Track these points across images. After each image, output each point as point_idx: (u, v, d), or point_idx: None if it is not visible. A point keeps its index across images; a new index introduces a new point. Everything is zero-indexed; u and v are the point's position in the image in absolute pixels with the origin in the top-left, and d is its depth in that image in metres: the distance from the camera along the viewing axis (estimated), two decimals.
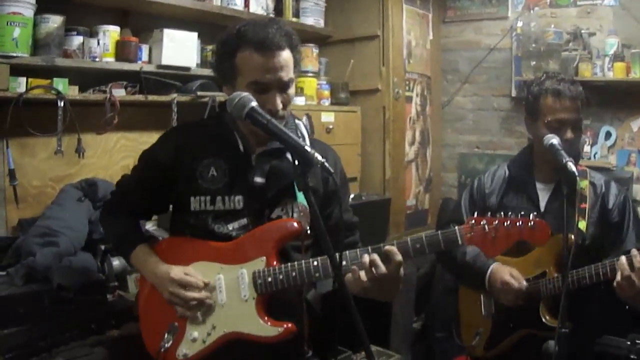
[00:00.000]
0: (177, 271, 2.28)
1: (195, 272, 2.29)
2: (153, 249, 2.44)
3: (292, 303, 2.37)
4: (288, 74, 2.25)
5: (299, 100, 4.46)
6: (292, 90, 2.31)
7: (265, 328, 2.23)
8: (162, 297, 2.31)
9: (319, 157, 1.88)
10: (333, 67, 5.02)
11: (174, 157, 2.36)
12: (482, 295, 3.09)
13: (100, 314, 2.93)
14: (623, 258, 2.57)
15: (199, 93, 3.86)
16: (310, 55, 4.71)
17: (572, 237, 2.66)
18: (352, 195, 4.33)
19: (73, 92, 3.53)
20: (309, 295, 2.47)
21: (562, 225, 2.55)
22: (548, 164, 2.93)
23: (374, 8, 4.83)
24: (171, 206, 2.53)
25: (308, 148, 1.90)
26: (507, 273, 2.88)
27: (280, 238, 2.29)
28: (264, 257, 2.26)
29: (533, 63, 4.91)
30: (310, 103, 4.55)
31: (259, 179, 2.34)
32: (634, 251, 2.56)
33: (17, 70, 3.28)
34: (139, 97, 3.76)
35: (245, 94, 2.08)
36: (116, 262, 3.11)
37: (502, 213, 2.27)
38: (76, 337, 2.78)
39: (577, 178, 2.55)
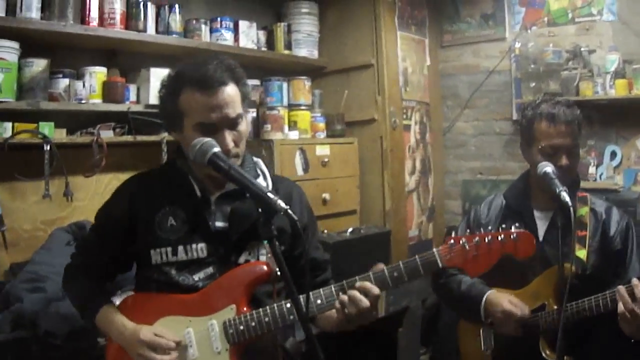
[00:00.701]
0: (145, 332, 2.14)
1: (165, 331, 2.16)
2: (118, 308, 2.31)
3: (269, 352, 2.26)
4: (235, 110, 2.16)
5: (292, 135, 4.42)
6: (242, 127, 2.21)
7: None
8: (131, 357, 2.19)
9: (282, 205, 1.79)
10: (328, 99, 4.95)
11: (128, 210, 2.27)
12: (481, 330, 2.97)
13: None
14: (622, 288, 2.45)
15: None
16: (303, 87, 4.65)
17: (572, 267, 2.56)
18: (351, 229, 4.26)
19: (60, 135, 3.53)
20: (287, 344, 2.35)
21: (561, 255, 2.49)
22: (545, 192, 2.81)
23: (367, 37, 4.78)
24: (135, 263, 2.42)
25: (271, 195, 1.82)
26: (506, 300, 2.75)
27: (249, 283, 2.18)
28: (234, 305, 2.15)
29: (533, 84, 4.84)
30: (304, 136, 4.50)
31: (220, 224, 2.25)
32: (635, 280, 2.44)
33: (3, 115, 3.30)
34: (128, 138, 3.74)
35: (207, 139, 2.01)
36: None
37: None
38: None
39: (571, 208, 2.42)
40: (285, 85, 4.60)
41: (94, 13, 3.62)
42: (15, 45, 3.33)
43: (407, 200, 4.94)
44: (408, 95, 4.96)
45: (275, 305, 2.12)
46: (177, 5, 4.05)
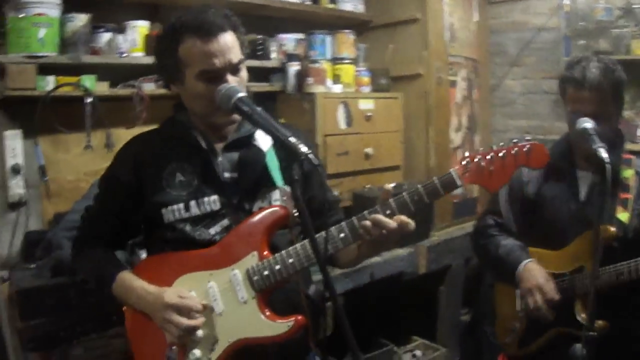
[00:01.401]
0: (170, 295, 2.10)
1: (189, 292, 2.13)
2: (134, 273, 2.28)
3: (293, 301, 2.22)
4: (237, 55, 2.14)
5: (336, 88, 4.38)
6: (244, 73, 2.19)
7: (272, 326, 2.09)
8: (155, 325, 2.16)
9: (304, 149, 1.80)
10: (373, 53, 4.90)
11: (134, 172, 2.25)
12: (517, 291, 2.92)
13: (122, 306, 2.91)
14: None
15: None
16: (347, 41, 4.61)
17: (612, 229, 2.52)
18: (393, 184, 4.21)
19: (102, 88, 3.58)
20: (310, 291, 2.33)
21: (604, 215, 2.45)
22: (585, 150, 2.72)
23: None
24: (142, 227, 2.39)
25: (293, 140, 1.82)
26: (543, 276, 2.73)
27: (267, 227, 2.15)
28: (255, 252, 2.12)
29: (582, 42, 4.70)
30: (347, 90, 4.45)
31: (228, 174, 2.23)
32: None
33: (46, 69, 3.36)
34: (169, 91, 3.71)
35: (231, 85, 2.03)
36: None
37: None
38: (97, 328, 2.82)
39: (608, 165, 2.34)
40: (329, 38, 4.57)
41: None
42: (56, 0, 3.37)
43: (452, 157, 4.88)
44: (454, 50, 4.87)
45: (297, 245, 2.10)
46: None
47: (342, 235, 2.08)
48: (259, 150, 2.25)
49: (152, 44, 2.61)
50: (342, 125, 4.25)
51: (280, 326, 2.08)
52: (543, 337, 2.83)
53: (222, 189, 2.20)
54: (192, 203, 2.18)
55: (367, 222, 2.03)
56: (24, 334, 2.85)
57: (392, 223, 2.01)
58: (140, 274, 2.23)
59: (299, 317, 2.09)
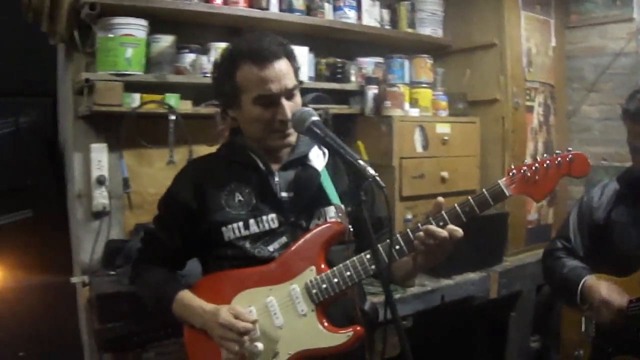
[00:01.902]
0: (223, 314, 2.18)
1: (243, 310, 2.20)
2: (193, 292, 2.36)
3: (350, 313, 2.30)
4: (291, 80, 2.25)
5: (413, 112, 4.42)
6: (298, 98, 2.30)
7: (332, 337, 2.17)
8: (212, 341, 2.23)
9: (371, 171, 1.90)
10: (450, 77, 4.95)
11: (194, 193, 2.35)
12: (583, 318, 2.96)
13: None
14: None
15: (311, 105, 3.89)
16: (425, 65, 4.67)
17: None
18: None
19: (185, 106, 3.71)
20: (365, 306, 2.43)
21: None
22: None
23: (491, 16, 4.72)
24: (200, 247, 2.46)
25: (362, 162, 1.93)
26: (605, 287, 2.74)
27: (324, 242, 2.24)
28: (313, 266, 2.21)
29: None
30: (424, 114, 4.50)
31: (285, 193, 2.33)
32: None
33: (132, 87, 3.51)
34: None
35: (306, 109, 2.14)
36: None
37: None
38: (171, 335, 2.89)
39: None
40: (407, 63, 4.62)
41: None
42: (143, 22, 3.53)
43: None
44: (531, 76, 4.87)
45: (355, 258, 2.17)
46: None
47: (397, 247, 2.14)
48: (314, 169, 2.35)
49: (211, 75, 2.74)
50: (419, 148, 4.29)
51: (339, 337, 2.16)
52: None
53: (279, 207, 2.31)
54: (252, 221, 2.29)
55: (421, 233, 2.10)
56: (101, 336, 2.98)
57: (443, 232, 2.07)
58: (199, 292, 2.32)
59: (358, 328, 2.17)
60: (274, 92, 2.21)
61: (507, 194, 2.14)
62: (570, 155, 2.14)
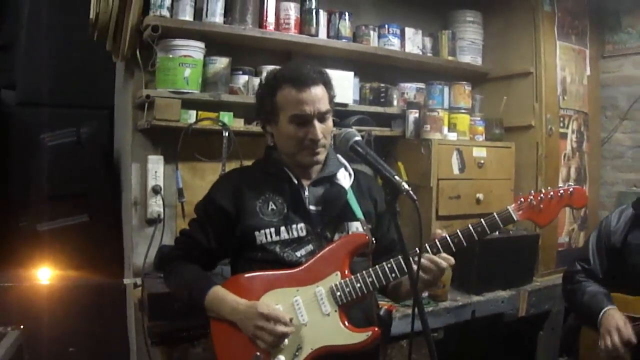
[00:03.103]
0: (263, 306, 2.36)
1: (277, 306, 2.39)
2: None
3: (369, 316, 2.53)
4: (325, 105, 2.48)
5: (451, 136, 4.58)
6: (330, 122, 2.53)
7: (353, 336, 2.38)
8: (240, 333, 2.40)
9: (405, 186, 2.13)
10: (488, 103, 5.08)
11: (232, 199, 2.54)
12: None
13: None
14: None
15: (355, 127, 4.08)
16: (463, 92, 4.80)
17: None
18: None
19: (238, 124, 3.92)
20: (381, 312, 2.61)
21: None
22: None
23: (527, 45, 4.87)
24: (232, 250, 2.65)
25: (398, 178, 2.15)
26: (622, 320, 2.91)
27: (350, 251, 2.46)
28: (338, 272, 2.43)
29: None
30: (462, 138, 4.64)
31: (314, 207, 2.55)
32: None
33: (189, 104, 3.73)
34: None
35: (350, 129, 2.37)
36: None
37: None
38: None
39: None
40: (446, 89, 4.76)
41: (271, 18, 4.02)
42: (201, 45, 3.76)
43: None
44: (566, 103, 5.01)
45: (377, 266, 2.41)
46: (347, 13, 4.35)
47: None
48: (342, 187, 2.59)
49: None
50: (456, 170, 4.46)
51: (359, 336, 2.38)
52: None
53: (308, 218, 2.53)
54: (282, 228, 2.49)
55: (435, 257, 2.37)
56: (151, 331, 3.21)
57: (451, 259, 2.38)
58: (230, 289, 2.49)
59: (375, 329, 2.40)
60: (307, 113, 2.44)
61: (515, 218, 2.44)
62: (571, 189, 2.48)
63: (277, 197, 2.55)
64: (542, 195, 2.46)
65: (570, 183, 2.60)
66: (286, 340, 2.36)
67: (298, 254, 2.49)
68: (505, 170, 4.82)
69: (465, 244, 2.41)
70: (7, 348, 3.20)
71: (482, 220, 2.42)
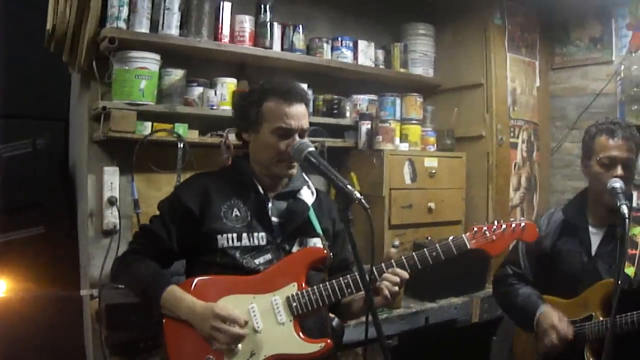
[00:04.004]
0: (221, 307, 2.38)
1: (233, 308, 2.40)
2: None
3: (322, 328, 2.60)
4: (306, 123, 2.59)
5: (403, 146, 4.65)
6: (306, 139, 2.57)
7: (306, 346, 2.44)
8: (195, 334, 2.41)
9: (357, 195, 2.19)
10: (439, 115, 5.16)
11: (198, 200, 2.58)
12: (534, 335, 3.14)
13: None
14: None
15: (309, 138, 4.12)
16: (415, 103, 4.88)
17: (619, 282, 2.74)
18: (452, 237, 4.44)
19: (192, 135, 3.95)
20: (333, 323, 2.71)
21: (612, 269, 2.76)
22: (602, 207, 3.05)
23: (478, 58, 4.97)
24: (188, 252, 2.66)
25: (350, 187, 2.21)
26: (557, 317, 2.98)
27: (308, 264, 2.54)
28: (295, 283, 2.49)
29: (635, 107, 4.78)
30: (413, 149, 4.72)
31: (275, 219, 2.62)
32: None
33: (144, 116, 3.76)
34: (239, 139, 4.07)
35: (304, 140, 2.48)
36: None
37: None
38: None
39: (627, 220, 2.67)
40: (398, 100, 4.84)
41: (226, 31, 4.08)
42: (156, 56, 3.80)
43: (511, 214, 5.06)
44: (516, 114, 5.11)
45: (334, 281, 2.47)
46: (301, 25, 4.43)
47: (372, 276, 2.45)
48: (305, 203, 2.68)
49: (236, 97, 2.95)
50: (408, 180, 4.53)
51: (312, 346, 2.45)
52: None
53: (270, 229, 2.60)
54: (245, 235, 2.55)
55: (389, 274, 2.48)
56: (109, 341, 3.24)
57: (405, 274, 2.49)
58: (187, 290, 2.49)
59: (329, 341, 2.46)
60: (292, 127, 2.52)
61: (468, 246, 2.58)
62: (523, 224, 2.64)
63: (242, 205, 2.60)
64: (495, 227, 2.59)
65: (523, 217, 2.74)
66: (240, 346, 2.39)
67: (257, 261, 2.54)
68: (457, 179, 4.91)
69: (419, 266, 2.51)
70: None
71: (437, 245, 2.53)
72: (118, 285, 3.53)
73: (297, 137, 2.53)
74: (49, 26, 3.81)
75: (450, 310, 4.39)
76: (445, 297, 4.43)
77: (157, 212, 2.69)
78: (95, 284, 3.80)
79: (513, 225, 2.61)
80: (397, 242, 4.33)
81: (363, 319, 2.40)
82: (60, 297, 4.17)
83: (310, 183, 2.76)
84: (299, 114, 2.55)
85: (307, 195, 2.71)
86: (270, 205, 2.63)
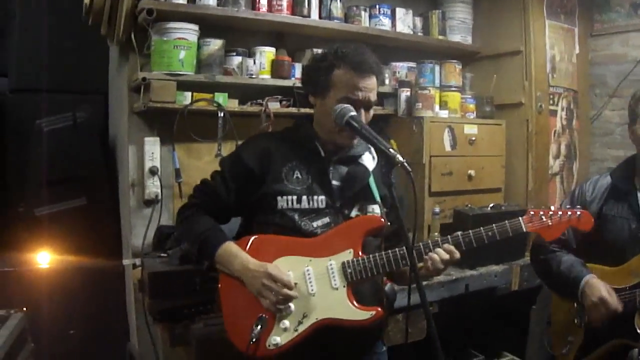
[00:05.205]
0: (273, 267, 2.42)
1: (289, 273, 2.45)
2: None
3: (375, 295, 2.59)
4: (374, 96, 2.55)
5: (443, 113, 4.63)
6: (371, 113, 2.58)
7: (357, 312, 2.43)
8: (248, 293, 2.45)
9: (400, 158, 2.19)
10: (478, 82, 5.12)
11: (260, 160, 2.58)
12: (575, 304, 3.10)
13: None
14: None
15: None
16: (454, 70, 4.84)
17: None
18: (492, 205, 4.48)
19: (232, 104, 3.98)
20: (386, 288, 2.70)
21: None
22: None
23: (517, 24, 4.92)
24: (247, 211, 2.69)
25: (392, 150, 2.22)
26: (604, 289, 2.91)
27: (365, 231, 2.53)
28: (351, 249, 2.48)
29: None
30: (453, 116, 4.70)
31: (335, 182, 2.60)
32: None
33: (184, 86, 3.77)
34: (292, 110, 4.14)
35: (346, 105, 2.43)
36: None
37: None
38: (217, 309, 3.00)
39: None
40: (437, 67, 4.79)
41: (264, 0, 4.04)
42: (195, 27, 3.80)
43: (550, 182, 5.07)
44: (555, 81, 5.06)
45: (389, 251, 2.46)
46: None
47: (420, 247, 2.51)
48: (366, 168, 2.64)
49: (309, 60, 2.90)
50: (447, 147, 4.52)
51: (364, 313, 2.44)
52: (601, 349, 3.00)
53: (330, 192, 2.58)
54: (304, 198, 2.54)
55: (440, 249, 2.48)
56: (152, 308, 3.29)
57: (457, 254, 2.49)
58: (244, 247, 2.53)
59: (379, 309, 2.45)
60: (359, 98, 2.50)
61: (524, 229, 2.56)
62: (579, 212, 2.62)
63: (303, 167, 2.59)
64: (551, 212, 2.58)
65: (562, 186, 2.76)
66: (293, 307, 2.42)
67: (315, 224, 2.54)
68: (496, 147, 4.88)
69: (475, 244, 2.52)
70: (11, 330, 3.24)
71: (494, 226, 2.52)
72: (160, 255, 3.61)
73: (362, 110, 2.52)
74: (86, 0, 3.82)
75: (490, 278, 4.38)
76: (485, 265, 4.42)
77: (219, 168, 2.72)
78: (137, 253, 3.85)
79: (569, 212, 2.60)
80: (437, 209, 4.31)
81: (406, 286, 2.42)
82: (102, 267, 4.21)
83: (372, 149, 2.71)
84: (368, 87, 2.51)
85: (369, 161, 2.67)
86: (331, 169, 2.62)
